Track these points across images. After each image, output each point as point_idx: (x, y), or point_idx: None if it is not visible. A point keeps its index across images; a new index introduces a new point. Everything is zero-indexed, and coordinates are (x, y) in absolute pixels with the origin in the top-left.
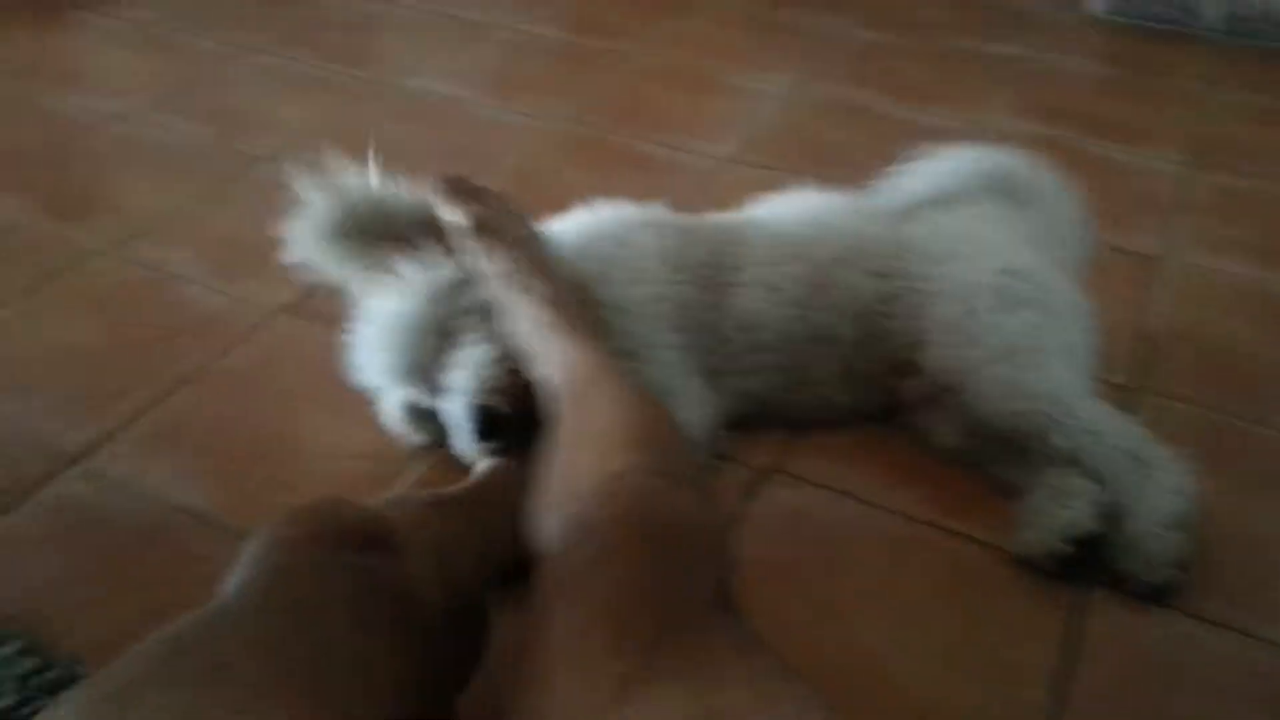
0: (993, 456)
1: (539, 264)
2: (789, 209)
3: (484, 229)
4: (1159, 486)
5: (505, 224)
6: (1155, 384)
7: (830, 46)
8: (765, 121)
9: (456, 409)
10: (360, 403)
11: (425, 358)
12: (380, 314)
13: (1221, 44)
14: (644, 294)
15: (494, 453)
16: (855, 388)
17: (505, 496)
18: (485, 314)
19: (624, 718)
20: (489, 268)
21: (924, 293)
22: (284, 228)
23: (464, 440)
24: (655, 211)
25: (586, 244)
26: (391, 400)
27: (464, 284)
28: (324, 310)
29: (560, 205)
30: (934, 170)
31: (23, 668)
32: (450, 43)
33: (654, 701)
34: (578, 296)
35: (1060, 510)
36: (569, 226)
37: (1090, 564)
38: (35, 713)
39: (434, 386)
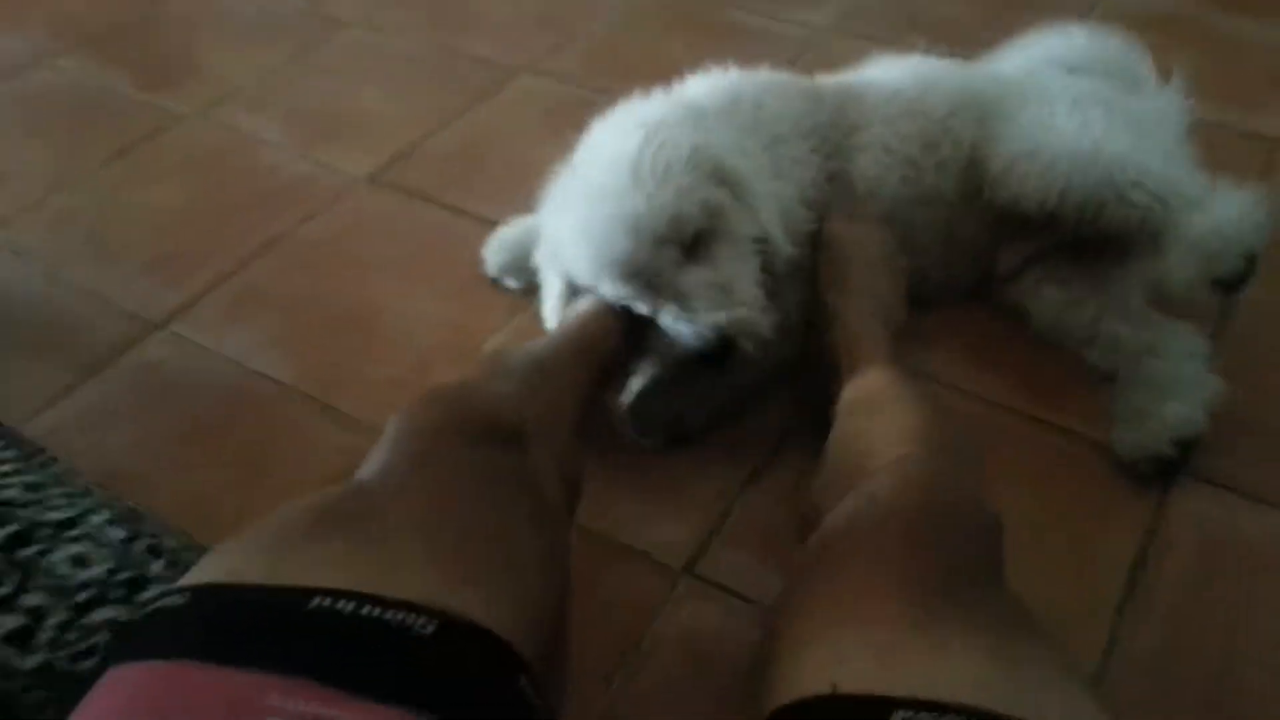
0: (1087, 331)
1: (878, 285)
2: (900, 69)
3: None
4: (1230, 202)
5: (867, 241)
6: None
7: None
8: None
9: (692, 330)
10: (439, 274)
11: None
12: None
13: None
14: (782, 158)
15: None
16: (952, 258)
17: (603, 344)
18: (744, 247)
19: (914, 640)
20: (831, 273)
21: (1014, 120)
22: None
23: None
24: (780, 75)
25: (728, 107)
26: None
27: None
28: (405, 180)
29: (648, 78)
30: (1039, 46)
31: (112, 537)
32: None
33: (949, 626)
34: (888, 303)
35: (1167, 407)
36: (703, 89)
37: (1189, 464)
38: (129, 580)
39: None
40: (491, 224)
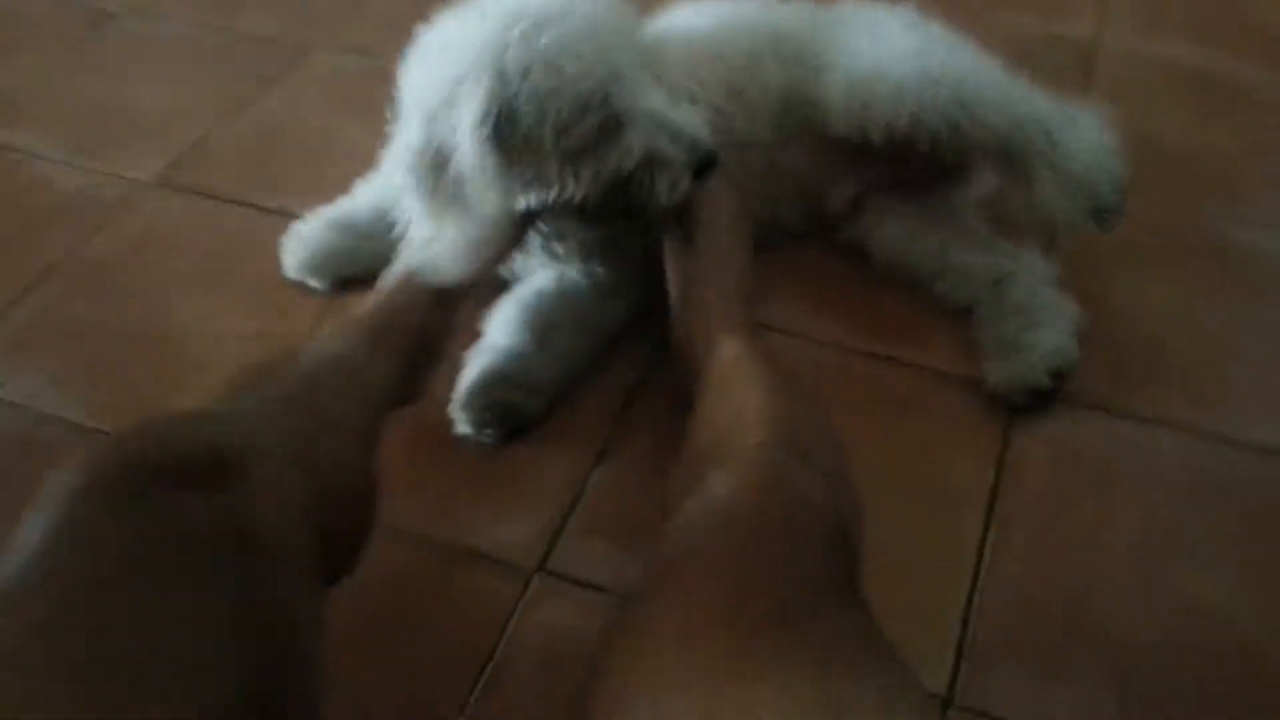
0: (935, 264)
1: (731, 251)
2: (700, 14)
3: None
4: (1084, 128)
5: (717, 203)
6: None
7: None
8: None
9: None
10: (243, 282)
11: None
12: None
13: None
14: None
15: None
16: (776, 196)
17: (416, 318)
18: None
19: (733, 696)
20: (679, 243)
21: (844, 48)
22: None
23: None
24: None
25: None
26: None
27: None
28: (197, 181)
29: None
30: None
31: None
32: None
33: (767, 680)
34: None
35: (1039, 336)
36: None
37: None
38: None
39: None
40: (293, 217)
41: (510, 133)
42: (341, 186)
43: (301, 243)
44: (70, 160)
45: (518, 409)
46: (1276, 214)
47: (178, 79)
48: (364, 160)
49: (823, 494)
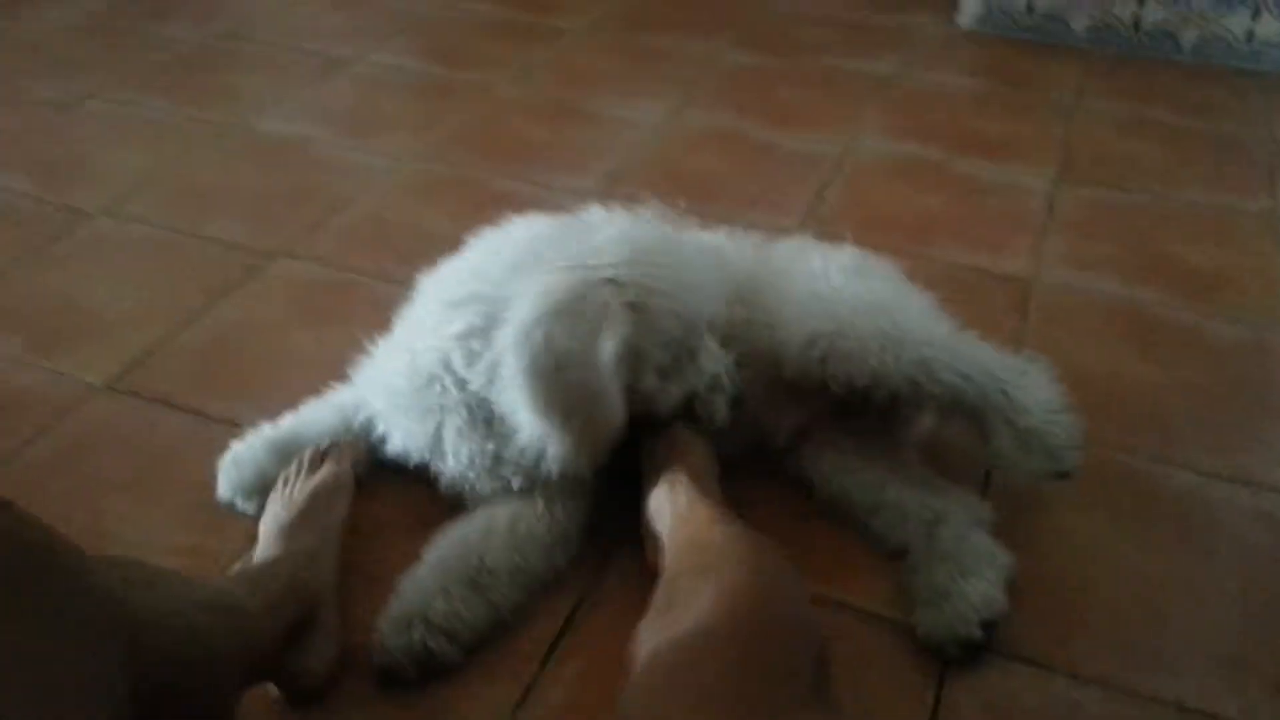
0: (872, 498)
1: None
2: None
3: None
4: (1036, 383)
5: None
6: None
7: (702, 71)
8: (632, 152)
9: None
10: (176, 491)
11: None
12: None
13: (1090, 53)
14: None
15: None
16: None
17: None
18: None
19: None
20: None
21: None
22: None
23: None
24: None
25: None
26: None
27: None
28: (146, 386)
29: (414, 255)
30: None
31: None
32: (304, 79)
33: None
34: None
35: (970, 586)
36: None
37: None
38: None
39: None
40: (239, 428)
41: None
42: (293, 397)
43: (236, 465)
44: (23, 357)
45: (434, 655)
46: (1203, 455)
47: (140, 281)
48: (317, 371)
49: (796, 602)
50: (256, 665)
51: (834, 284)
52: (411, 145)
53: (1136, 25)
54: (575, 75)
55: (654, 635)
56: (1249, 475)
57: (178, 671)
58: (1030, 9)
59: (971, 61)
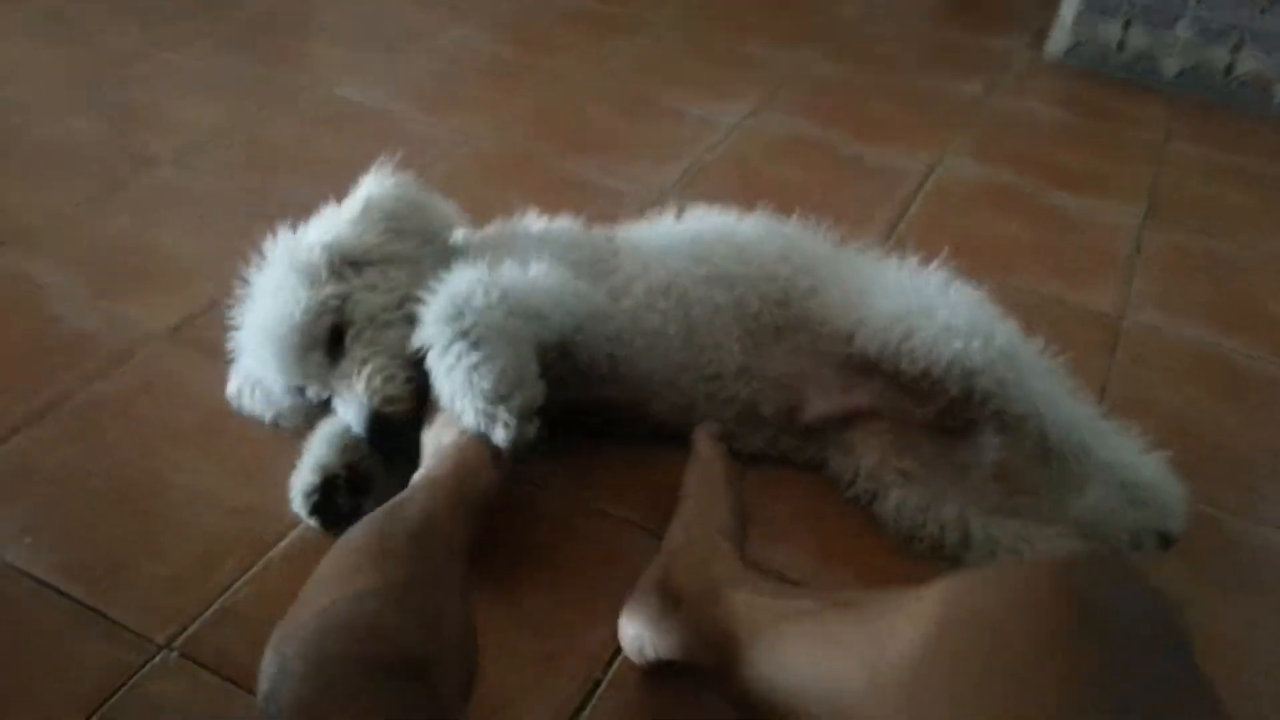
0: (954, 537)
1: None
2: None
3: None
4: (1133, 447)
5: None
6: None
7: (787, 78)
8: (711, 152)
9: (354, 413)
10: (236, 446)
11: (311, 363)
12: (267, 319)
13: (1179, 96)
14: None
15: (387, 454)
16: (754, 384)
17: (483, 481)
18: (376, 326)
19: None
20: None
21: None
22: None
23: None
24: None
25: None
26: (274, 385)
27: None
28: (209, 337)
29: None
30: None
31: None
32: (381, 51)
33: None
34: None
35: None
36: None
37: None
38: None
39: (324, 384)
40: None
41: None
42: None
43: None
44: (87, 300)
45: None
46: None
47: (205, 233)
48: None
49: None
50: None
51: (922, 279)
52: (486, 124)
53: (1228, 71)
54: (655, 69)
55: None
56: None
57: None
58: (1122, 47)
59: (1059, 92)
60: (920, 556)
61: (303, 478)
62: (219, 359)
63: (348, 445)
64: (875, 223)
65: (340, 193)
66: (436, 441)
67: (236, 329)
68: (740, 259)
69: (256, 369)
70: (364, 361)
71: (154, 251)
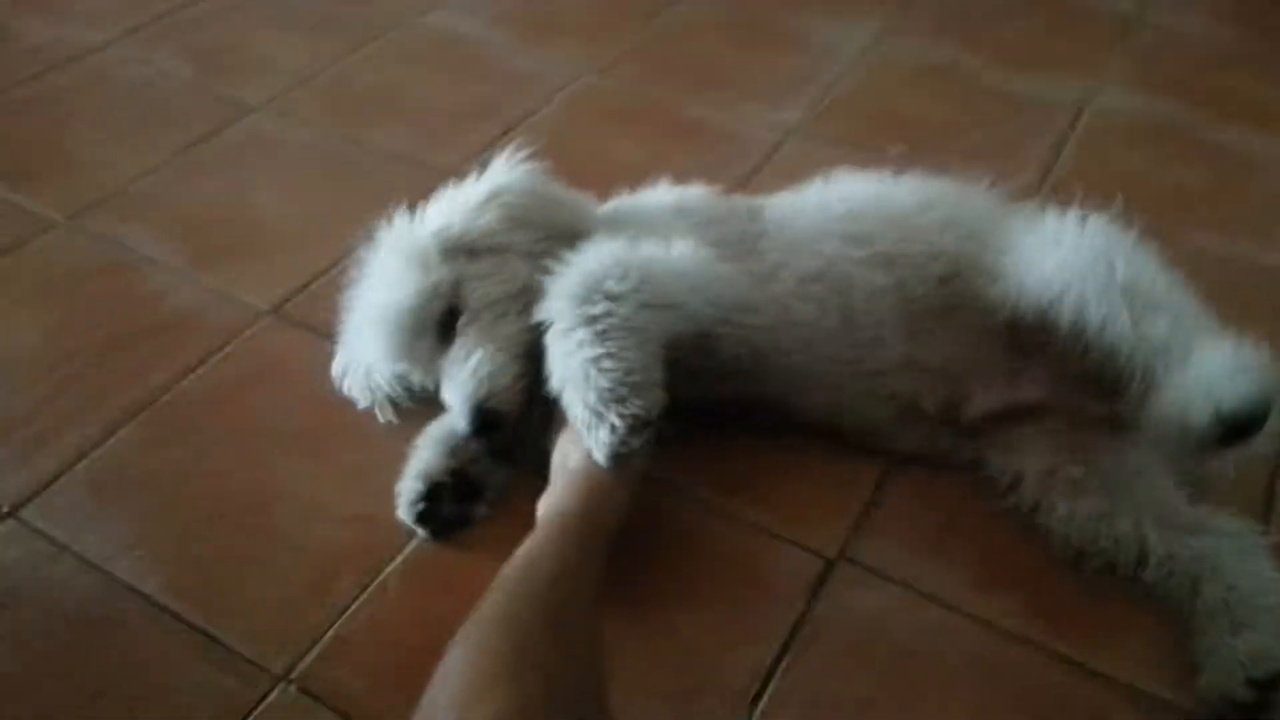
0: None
1: None
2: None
3: None
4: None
5: None
6: None
7: None
8: (838, 85)
9: (457, 402)
10: (352, 447)
11: (420, 348)
12: (377, 303)
13: None
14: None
15: (490, 450)
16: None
17: (613, 519)
18: (492, 315)
19: None
20: None
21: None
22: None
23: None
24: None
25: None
26: (380, 371)
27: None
28: (316, 316)
29: (598, 178)
30: None
31: None
32: None
33: None
34: None
35: (1239, 639)
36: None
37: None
38: None
39: (430, 372)
40: None
41: None
42: None
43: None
44: (184, 270)
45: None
46: None
47: (306, 193)
48: None
49: None
50: None
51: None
52: (589, 57)
53: None
54: None
55: None
56: None
57: None
58: None
59: (1223, 7)
60: (1094, 574)
61: (408, 485)
62: (326, 341)
63: (454, 450)
64: (1026, 165)
65: (438, 146)
66: (563, 459)
67: (348, 312)
68: (900, 235)
69: (364, 352)
70: (473, 349)
71: (250, 215)
